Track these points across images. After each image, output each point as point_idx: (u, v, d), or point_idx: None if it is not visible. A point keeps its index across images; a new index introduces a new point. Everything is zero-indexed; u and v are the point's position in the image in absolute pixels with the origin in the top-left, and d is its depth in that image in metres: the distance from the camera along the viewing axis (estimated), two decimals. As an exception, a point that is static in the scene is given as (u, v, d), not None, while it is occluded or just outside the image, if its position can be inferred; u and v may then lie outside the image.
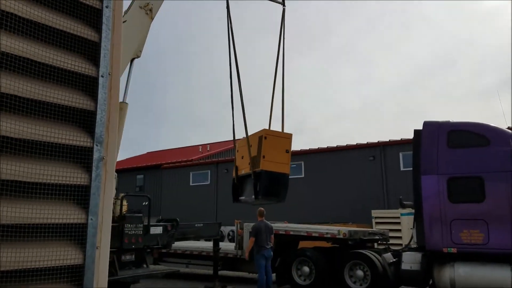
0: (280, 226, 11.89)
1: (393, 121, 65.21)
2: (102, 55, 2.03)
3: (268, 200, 9.10)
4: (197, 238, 11.36)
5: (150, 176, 31.43)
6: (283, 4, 10.17)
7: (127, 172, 32.69)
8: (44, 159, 1.82)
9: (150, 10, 9.82)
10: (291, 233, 11.31)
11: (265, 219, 10.38)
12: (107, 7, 2.09)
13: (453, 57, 67.99)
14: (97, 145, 1.92)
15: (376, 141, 22.41)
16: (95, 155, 1.92)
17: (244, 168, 9.35)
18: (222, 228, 14.38)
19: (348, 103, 72.43)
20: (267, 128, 9.48)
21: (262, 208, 10.37)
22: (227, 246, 12.60)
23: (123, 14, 9.55)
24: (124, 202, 9.46)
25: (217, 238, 11.35)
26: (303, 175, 24.80)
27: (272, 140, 9.11)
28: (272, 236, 10.15)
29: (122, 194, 9.16)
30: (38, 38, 1.86)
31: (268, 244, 9.88)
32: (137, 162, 35.11)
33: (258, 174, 8.80)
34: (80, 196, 1.92)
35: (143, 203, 31.85)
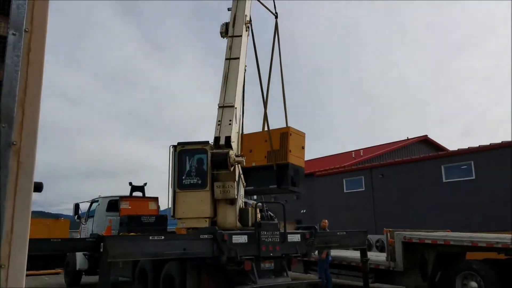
0: (438, 235, 10.32)
1: None
2: (14, 6, 1.59)
3: (292, 190, 10.22)
4: (340, 247, 10.66)
5: (305, 184, 31.82)
6: (275, 16, 11.64)
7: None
8: None
9: (248, 26, 10.69)
10: (451, 243, 9.67)
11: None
12: None
13: None
14: (3, 126, 1.48)
15: None
16: (1, 139, 1.47)
17: (255, 161, 10.47)
18: (370, 236, 13.27)
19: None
20: (286, 125, 10.87)
21: None
22: (378, 256, 11.50)
23: (231, 26, 10.07)
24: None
25: (363, 248, 10.47)
26: (473, 177, 21.53)
27: (295, 136, 10.48)
28: None
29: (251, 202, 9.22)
30: None
31: None
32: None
33: (283, 166, 9.96)
34: None
35: (301, 211, 32.03)
